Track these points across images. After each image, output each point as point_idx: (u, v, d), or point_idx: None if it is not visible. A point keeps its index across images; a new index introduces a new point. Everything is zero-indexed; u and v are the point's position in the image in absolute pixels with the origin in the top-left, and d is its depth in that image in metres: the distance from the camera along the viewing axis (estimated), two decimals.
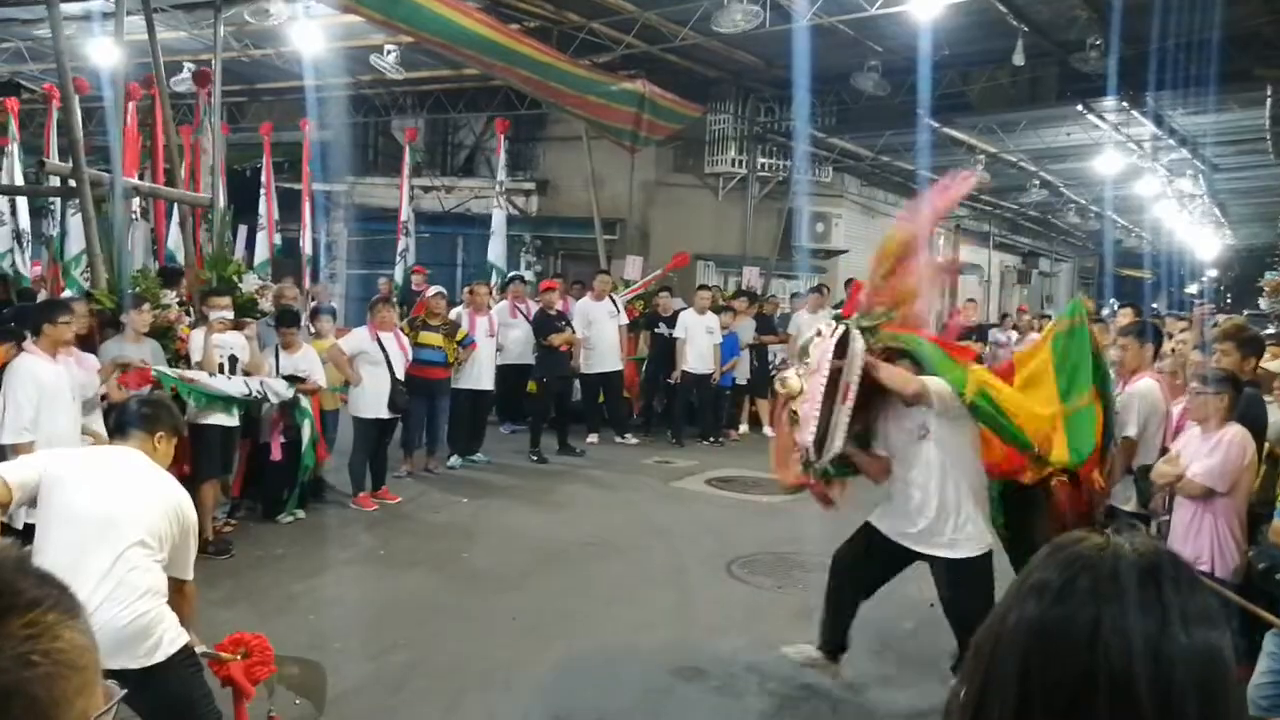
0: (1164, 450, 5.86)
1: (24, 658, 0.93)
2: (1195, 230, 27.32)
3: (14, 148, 12.58)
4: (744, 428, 13.97)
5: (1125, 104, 14.34)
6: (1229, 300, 36.58)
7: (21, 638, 0.94)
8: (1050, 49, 13.47)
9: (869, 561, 5.39)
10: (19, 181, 12.51)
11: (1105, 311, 16.59)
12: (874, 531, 5.38)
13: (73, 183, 8.98)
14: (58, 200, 11.55)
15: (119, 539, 3.59)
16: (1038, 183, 21.06)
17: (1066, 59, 13.44)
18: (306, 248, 15.33)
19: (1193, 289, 32.40)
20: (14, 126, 12.90)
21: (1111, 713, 1.02)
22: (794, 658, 5.59)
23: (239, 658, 4.16)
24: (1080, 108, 14.67)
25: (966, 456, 5.16)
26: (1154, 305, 26.22)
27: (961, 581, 5.08)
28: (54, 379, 6.35)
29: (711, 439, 13.09)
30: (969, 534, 5.09)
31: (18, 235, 13.25)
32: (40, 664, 0.94)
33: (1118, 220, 27.27)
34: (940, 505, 5.07)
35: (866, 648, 6.12)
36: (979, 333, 14.19)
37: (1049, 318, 19.76)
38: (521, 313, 12.36)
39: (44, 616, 0.96)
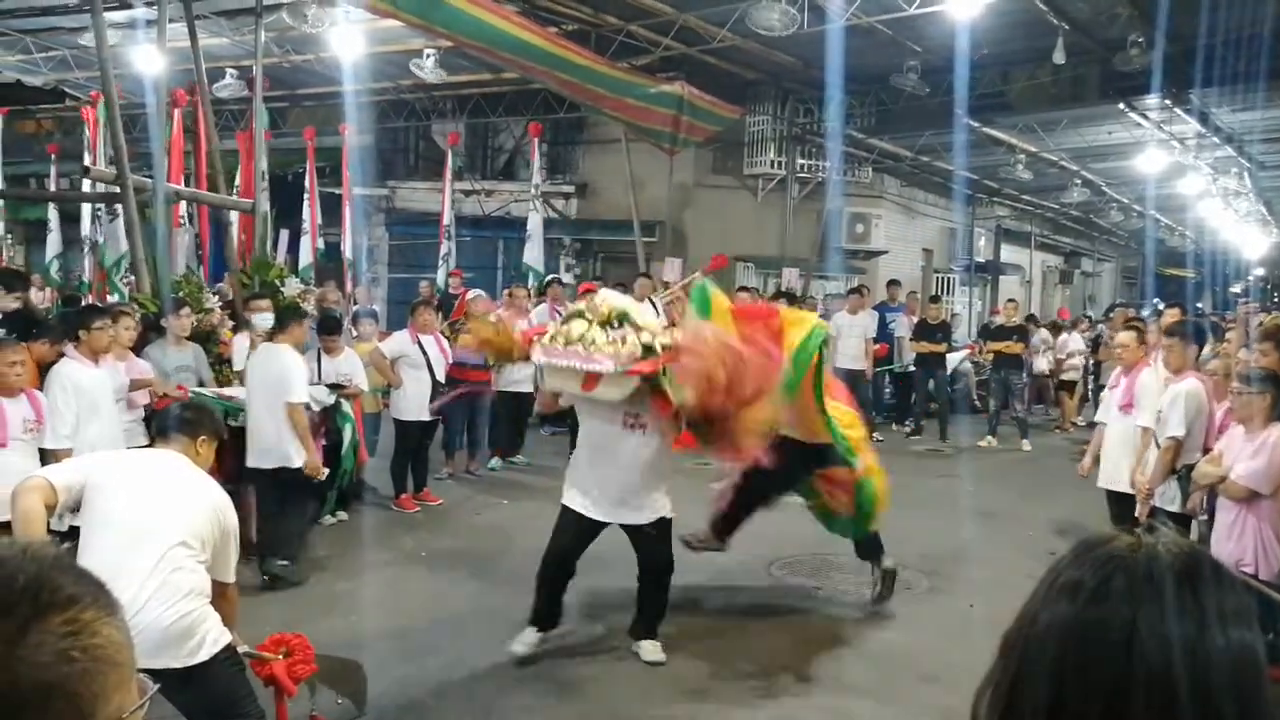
0: (1207, 450, 5.81)
1: (64, 654, 0.94)
2: (1240, 228, 26.94)
3: (89, 156, 12.71)
4: None
5: (1168, 102, 14.18)
6: (1276, 299, 36.00)
7: (61, 634, 0.95)
8: (1091, 47, 13.35)
9: (578, 541, 5.93)
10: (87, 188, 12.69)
11: (1146, 312, 16.39)
12: (571, 511, 5.89)
13: (117, 189, 9.10)
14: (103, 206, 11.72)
15: (162, 541, 3.64)
16: (1079, 182, 20.88)
17: (1108, 57, 13.31)
18: (348, 252, 15.46)
19: (1237, 288, 31.93)
20: (89, 134, 13.02)
21: (1147, 714, 1.01)
22: (521, 650, 5.81)
23: (281, 657, 4.21)
24: (1122, 106, 14.52)
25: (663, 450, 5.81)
26: (1198, 305, 25.91)
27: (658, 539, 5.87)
28: (93, 384, 6.42)
29: None
30: (656, 504, 5.84)
31: (82, 241, 13.42)
32: (80, 660, 0.95)
33: (1161, 219, 26.95)
34: (641, 483, 5.77)
35: (906, 647, 6.11)
36: (1019, 333, 14.06)
37: (1089, 318, 19.64)
38: (560, 315, 12.35)
39: (83, 614, 0.98)
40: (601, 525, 5.91)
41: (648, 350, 5.41)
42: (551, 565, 5.93)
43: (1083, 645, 1.04)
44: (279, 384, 7.19)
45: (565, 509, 5.95)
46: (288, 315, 7.81)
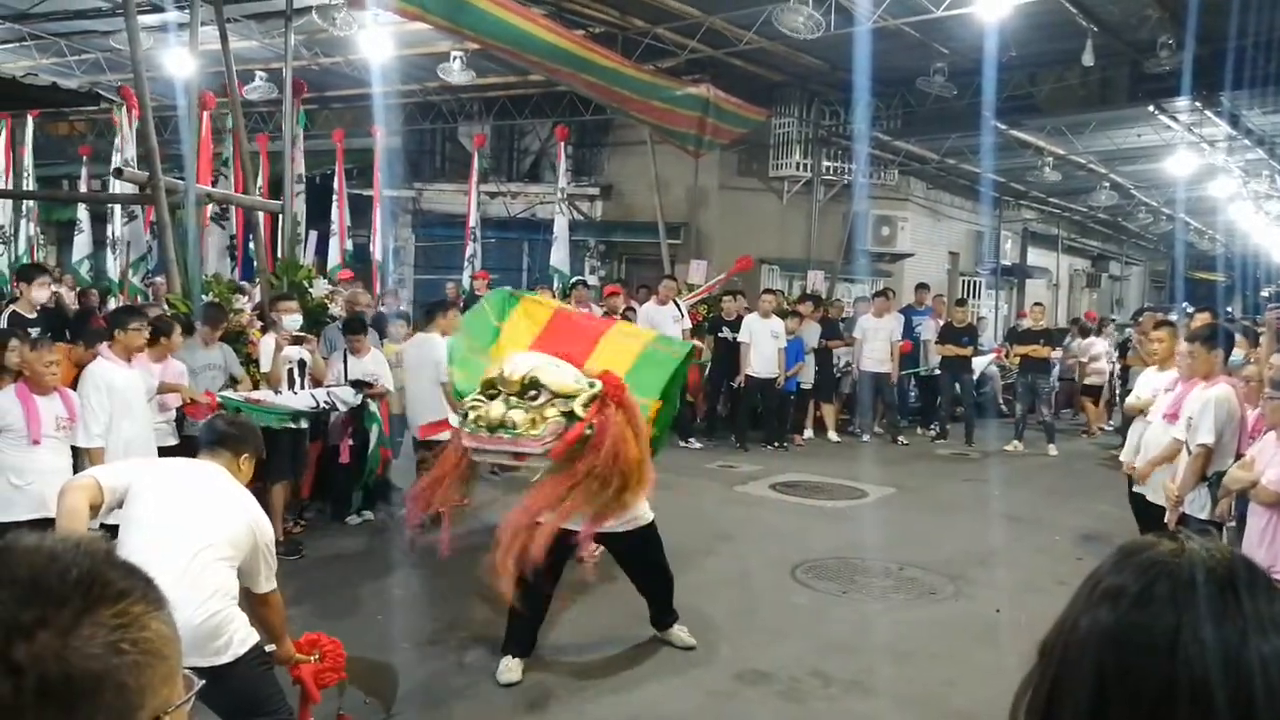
0: (1239, 456, 5.76)
1: (114, 646, 0.96)
2: (1271, 232, 26.70)
3: (118, 157, 12.82)
4: (809, 432, 13.91)
5: (1199, 104, 14.07)
6: None
7: (111, 627, 0.97)
8: (1121, 49, 13.27)
9: (555, 552, 5.68)
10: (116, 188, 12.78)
11: (1174, 316, 16.26)
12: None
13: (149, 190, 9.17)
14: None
15: (193, 542, 3.70)
16: (1107, 185, 20.74)
17: (1138, 59, 13.23)
18: (377, 253, 15.53)
19: (1267, 292, 31.64)
20: (120, 137, 13.16)
21: None
22: (510, 678, 5.57)
23: (313, 659, 4.25)
24: (1152, 108, 14.43)
25: None
26: (1228, 309, 25.69)
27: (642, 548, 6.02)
28: (126, 384, 6.49)
29: (776, 444, 13.05)
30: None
31: (112, 242, 13.54)
32: (129, 652, 0.97)
33: (1190, 222, 26.74)
34: None
35: (932, 651, 6.10)
36: (1047, 337, 13.98)
37: (1113, 321, 19.51)
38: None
39: (132, 607, 1.00)
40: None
41: (569, 418, 5.28)
42: (528, 585, 5.62)
43: (1125, 651, 1.04)
44: (434, 367, 8.33)
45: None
46: (435, 307, 9.42)
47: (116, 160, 12.17)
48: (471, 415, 5.48)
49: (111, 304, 12.48)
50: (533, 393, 5.37)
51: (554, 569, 5.81)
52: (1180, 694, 1.00)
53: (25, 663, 0.92)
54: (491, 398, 5.49)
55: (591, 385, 5.42)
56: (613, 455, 5.29)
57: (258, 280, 10.90)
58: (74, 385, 6.23)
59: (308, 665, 4.26)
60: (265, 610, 4.01)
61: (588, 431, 5.30)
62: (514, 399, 5.40)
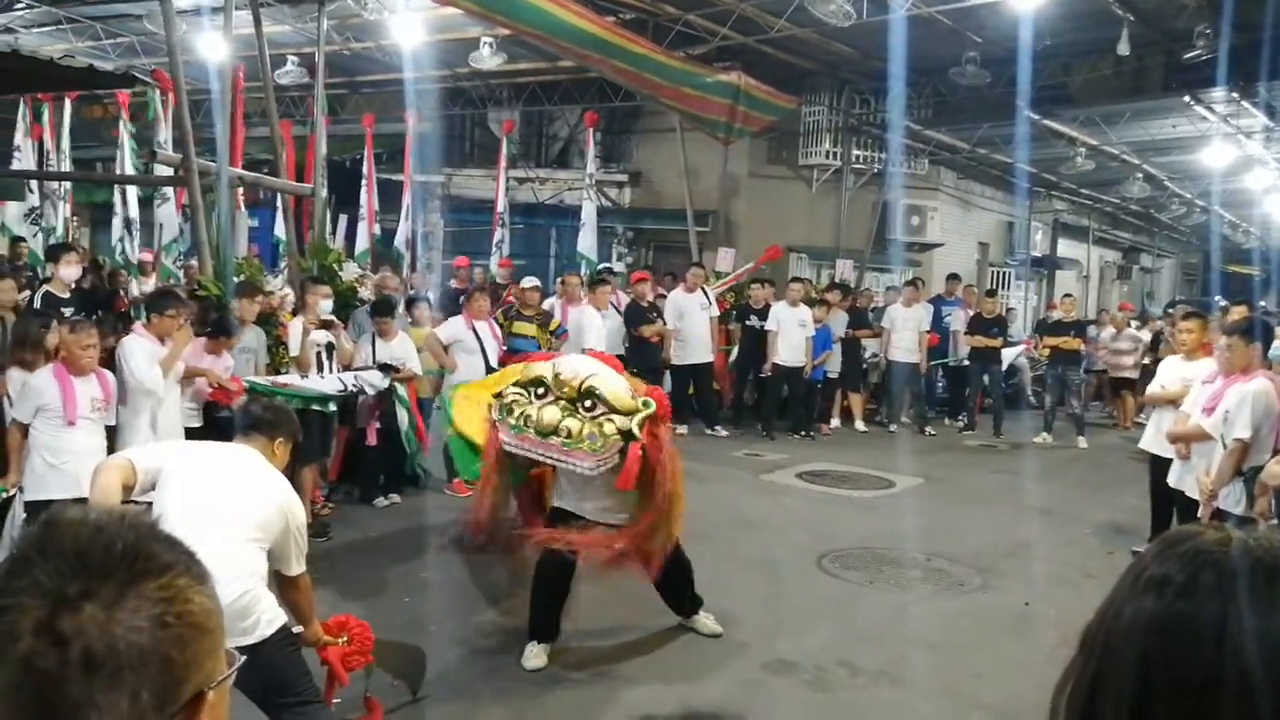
0: (1278, 451, 5.71)
1: (159, 619, 0.96)
2: None
3: (129, 140, 12.94)
4: (836, 422, 13.87)
5: (1235, 94, 13.90)
6: None
7: (156, 600, 0.97)
8: (1157, 38, 13.14)
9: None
10: (130, 171, 12.87)
11: (1214, 312, 16.08)
12: (560, 510, 5.72)
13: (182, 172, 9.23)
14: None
15: (221, 524, 3.72)
16: (1140, 176, 20.52)
17: (1173, 48, 13.09)
18: (405, 238, 15.57)
19: None
20: (125, 118, 13.30)
21: (1237, 713, 0.99)
22: (535, 663, 5.55)
23: (340, 641, 4.27)
24: (1187, 99, 14.26)
25: None
26: (1262, 303, 25.41)
27: None
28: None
29: (803, 433, 13.01)
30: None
31: (128, 224, 13.65)
32: (174, 626, 0.97)
33: (1225, 215, 26.43)
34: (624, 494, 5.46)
35: (960, 643, 6.08)
36: (1077, 329, 13.87)
37: (1160, 318, 19.28)
38: (612, 304, 12.40)
39: (176, 581, 1.00)
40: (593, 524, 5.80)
41: (626, 437, 5.16)
42: (548, 568, 5.69)
43: (1170, 639, 1.03)
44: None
45: (554, 509, 5.80)
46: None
47: (132, 143, 12.30)
48: (516, 412, 5.35)
49: (134, 287, 12.56)
50: (588, 402, 5.23)
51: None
52: (1225, 684, 0.99)
53: (70, 634, 0.92)
54: (540, 396, 5.35)
55: (646, 404, 5.29)
56: (671, 491, 5.32)
57: (285, 264, 10.98)
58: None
59: (335, 648, 4.29)
60: (294, 593, 4.04)
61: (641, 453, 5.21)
62: (567, 405, 5.26)
